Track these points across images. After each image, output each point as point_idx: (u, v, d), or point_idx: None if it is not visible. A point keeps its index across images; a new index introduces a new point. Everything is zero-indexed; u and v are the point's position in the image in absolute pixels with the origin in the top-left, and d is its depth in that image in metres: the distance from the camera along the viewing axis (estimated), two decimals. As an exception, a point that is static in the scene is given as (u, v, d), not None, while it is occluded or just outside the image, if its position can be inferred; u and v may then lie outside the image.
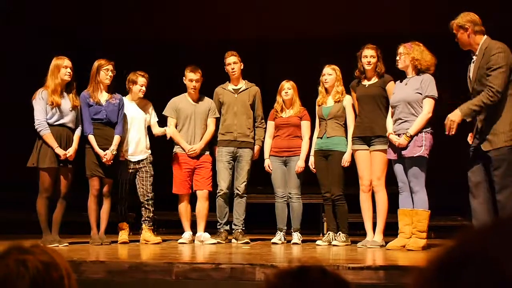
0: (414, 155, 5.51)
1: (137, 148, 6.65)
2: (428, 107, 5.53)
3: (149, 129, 6.86)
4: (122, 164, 6.59)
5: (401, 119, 5.67)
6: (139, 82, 6.66)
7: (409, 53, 5.68)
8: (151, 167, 6.69)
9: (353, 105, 6.42)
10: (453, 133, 4.93)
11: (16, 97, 7.05)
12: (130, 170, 6.62)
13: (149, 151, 6.74)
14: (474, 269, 0.92)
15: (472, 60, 5.06)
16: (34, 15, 8.64)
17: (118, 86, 6.68)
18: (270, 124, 6.84)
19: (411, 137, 5.52)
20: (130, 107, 6.69)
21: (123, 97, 6.64)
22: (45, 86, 6.12)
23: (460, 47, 5.13)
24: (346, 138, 6.41)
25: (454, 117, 4.92)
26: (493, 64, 4.84)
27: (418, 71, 5.68)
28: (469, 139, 5.15)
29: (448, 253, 0.98)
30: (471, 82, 5.01)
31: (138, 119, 6.70)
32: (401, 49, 5.77)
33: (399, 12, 8.51)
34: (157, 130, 6.80)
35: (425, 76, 5.63)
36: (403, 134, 5.57)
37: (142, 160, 6.66)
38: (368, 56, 6.15)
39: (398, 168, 5.69)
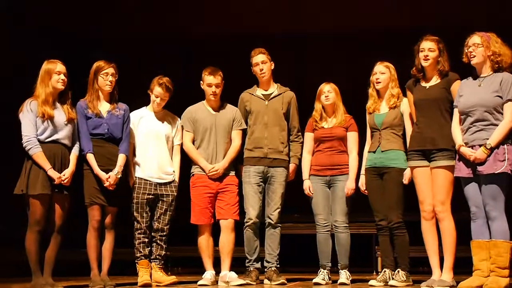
0: (495, 172, 4.98)
1: (158, 168, 6.10)
2: (510, 113, 5.06)
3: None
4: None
5: (475, 127, 5.16)
6: (155, 92, 6.13)
7: (488, 46, 5.20)
8: (175, 197, 6.15)
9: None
10: None
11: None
12: (148, 195, 6.06)
13: (173, 175, 6.18)
14: None
15: None
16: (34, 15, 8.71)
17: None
18: (309, 137, 6.32)
19: (492, 149, 5.02)
20: (148, 118, 6.20)
21: (145, 107, 6.26)
22: (34, 95, 5.64)
23: None
24: (405, 151, 5.84)
25: None
26: None
27: (496, 69, 5.19)
28: None
29: None
30: None
31: (156, 133, 6.15)
32: (476, 39, 5.22)
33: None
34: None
35: (504, 75, 5.12)
36: (479, 146, 5.07)
37: (165, 185, 6.12)
38: (426, 49, 5.52)
39: (472, 188, 5.15)
